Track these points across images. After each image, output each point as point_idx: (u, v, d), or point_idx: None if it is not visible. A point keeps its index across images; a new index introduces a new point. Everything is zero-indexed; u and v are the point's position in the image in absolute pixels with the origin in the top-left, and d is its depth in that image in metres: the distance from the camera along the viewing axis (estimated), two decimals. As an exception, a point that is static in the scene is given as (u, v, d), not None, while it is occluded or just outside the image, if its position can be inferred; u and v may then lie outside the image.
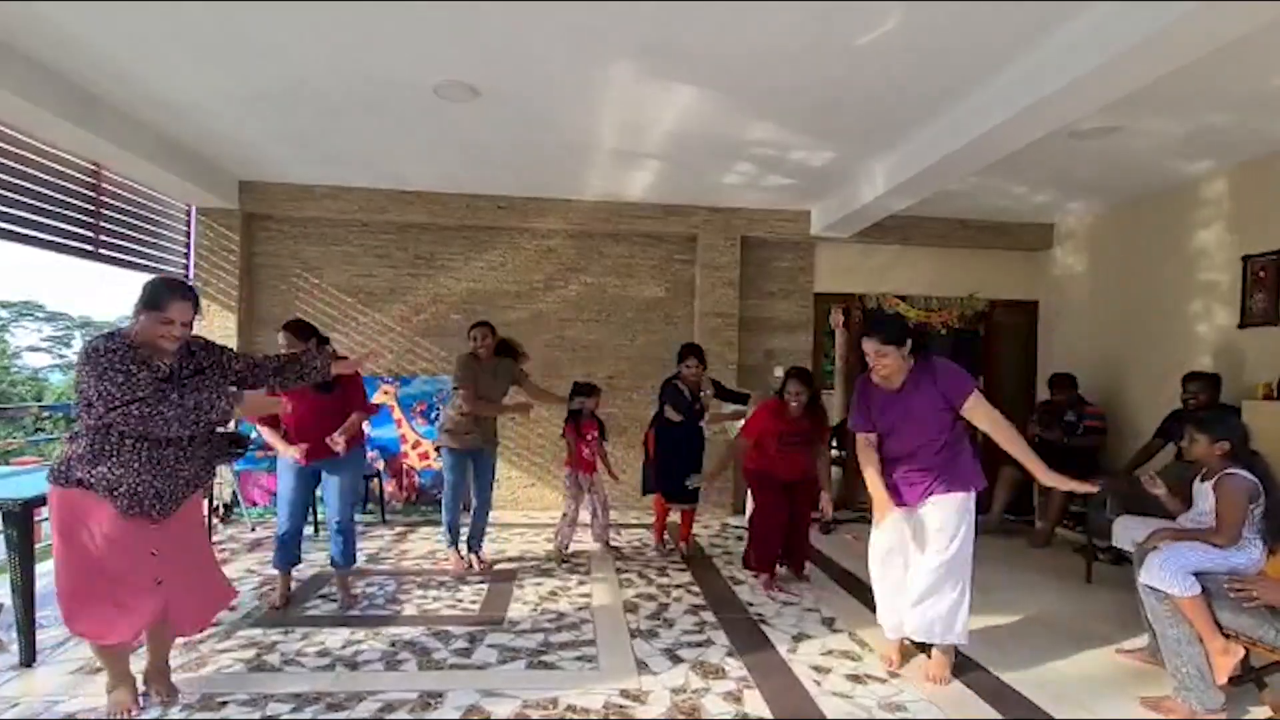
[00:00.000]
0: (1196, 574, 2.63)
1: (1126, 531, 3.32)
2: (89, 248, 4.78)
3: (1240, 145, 4.22)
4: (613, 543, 4.90)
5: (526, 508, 6.06)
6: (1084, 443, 5.28)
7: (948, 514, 2.86)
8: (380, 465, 5.75)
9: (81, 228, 4.69)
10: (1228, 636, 2.57)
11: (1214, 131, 4.00)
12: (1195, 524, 2.87)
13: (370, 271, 5.98)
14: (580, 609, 3.66)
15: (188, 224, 5.77)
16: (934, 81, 3.46)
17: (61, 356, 24.96)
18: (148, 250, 5.36)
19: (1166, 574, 2.64)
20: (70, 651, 3.00)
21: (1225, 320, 4.59)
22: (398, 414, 5.89)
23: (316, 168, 5.29)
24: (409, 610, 3.61)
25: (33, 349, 24.24)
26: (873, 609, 3.20)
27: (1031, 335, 6.50)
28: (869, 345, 2.85)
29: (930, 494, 2.87)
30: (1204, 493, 2.87)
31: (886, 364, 2.82)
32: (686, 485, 4.60)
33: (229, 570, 4.17)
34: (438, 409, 5.87)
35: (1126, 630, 3.42)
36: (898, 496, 2.89)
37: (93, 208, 4.78)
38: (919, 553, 2.92)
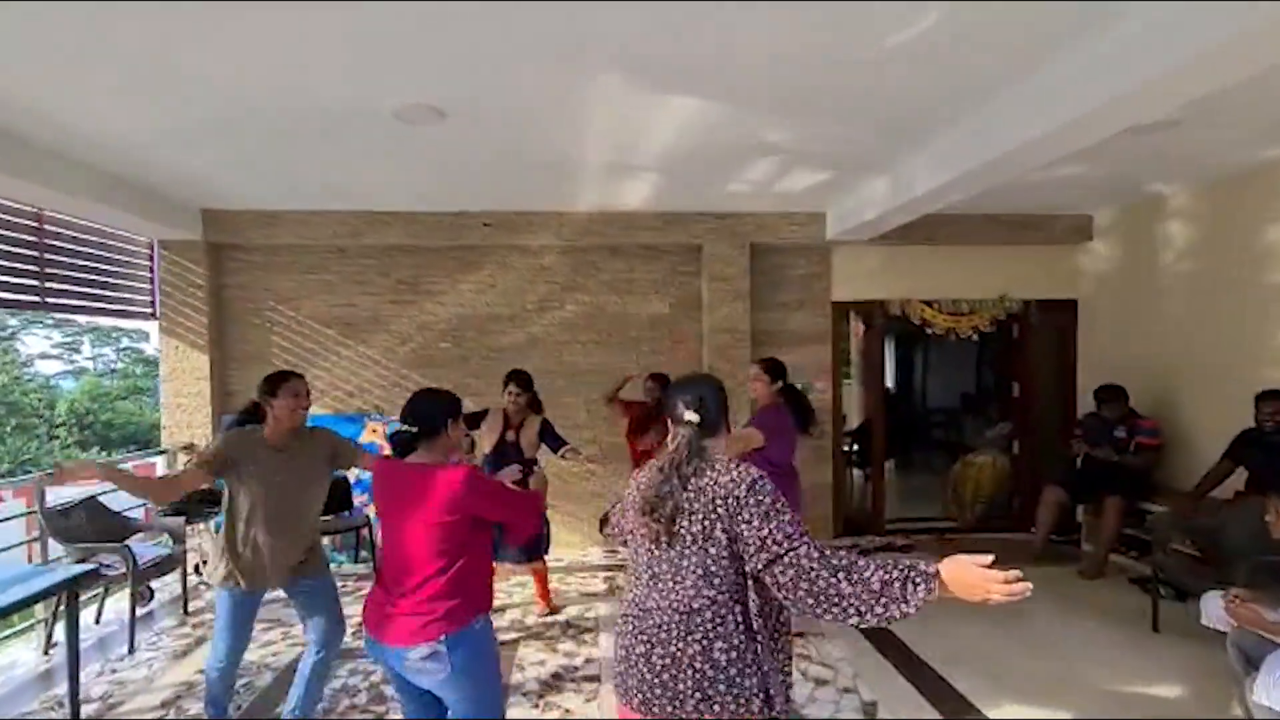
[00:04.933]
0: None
1: (1215, 610, 2.83)
2: (34, 299, 4.36)
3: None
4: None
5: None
6: (1137, 461, 4.79)
7: None
8: (370, 510, 5.34)
9: (23, 278, 4.27)
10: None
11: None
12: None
13: (350, 300, 5.53)
14: (588, 700, 3.25)
15: (151, 258, 5.34)
16: (968, 82, 2.97)
17: (72, 362, 24.92)
18: (107, 292, 4.94)
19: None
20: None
21: (1303, 327, 4.07)
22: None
23: (283, 193, 4.82)
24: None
25: (44, 356, 24.18)
26: (924, 685, 2.78)
27: (1070, 337, 5.97)
28: (753, 369, 3.58)
29: None
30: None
31: (756, 387, 3.52)
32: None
33: (203, 652, 3.80)
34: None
35: (1206, 700, 2.98)
36: None
37: (36, 254, 4.35)
38: None
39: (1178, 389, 4.95)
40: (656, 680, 1.58)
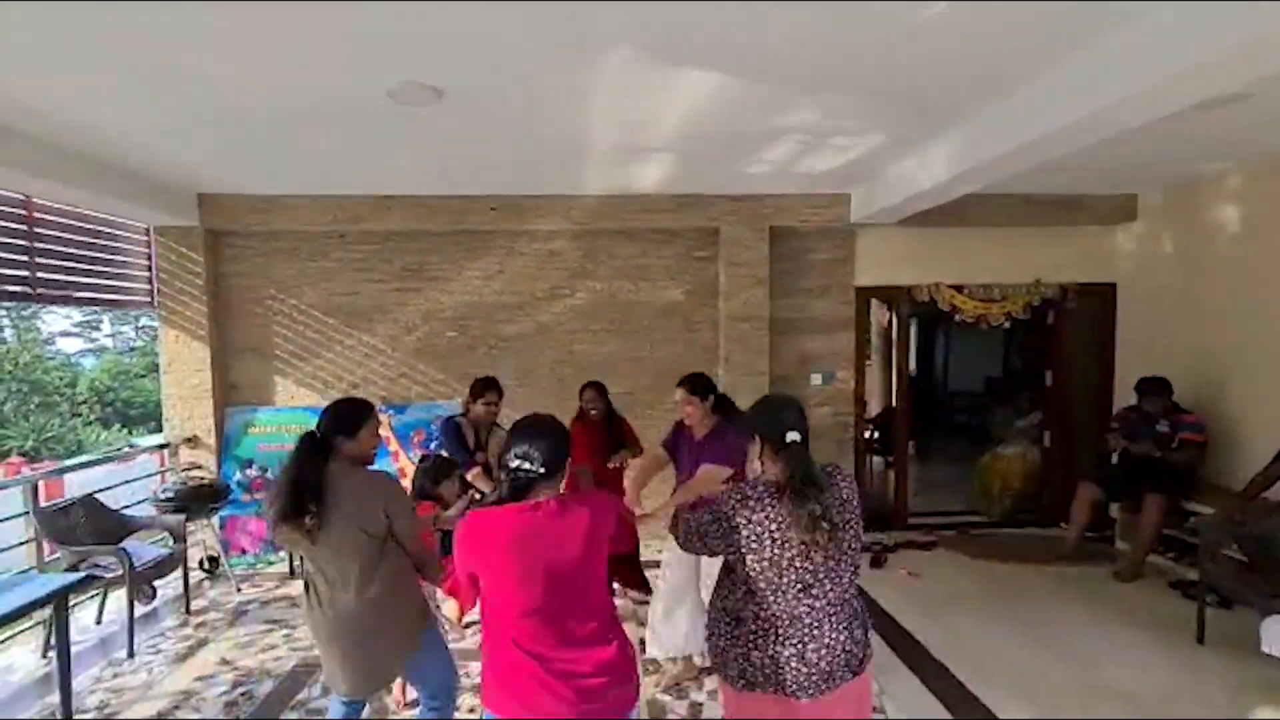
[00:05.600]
0: None
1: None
2: (25, 289, 4.21)
3: None
4: None
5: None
6: (1180, 458, 4.52)
7: None
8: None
9: (13, 268, 4.11)
10: None
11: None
12: None
13: (353, 288, 5.34)
14: None
15: (148, 246, 5.16)
16: (1008, 56, 2.71)
17: (93, 340, 25.12)
18: (102, 281, 4.78)
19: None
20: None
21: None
22: (394, 445, 5.32)
23: (281, 178, 4.60)
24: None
25: (65, 334, 24.39)
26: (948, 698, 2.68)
27: (1108, 323, 5.65)
28: (679, 393, 3.20)
29: None
30: None
31: (690, 411, 3.15)
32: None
33: (204, 655, 3.70)
34: (437, 439, 5.29)
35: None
36: None
37: (25, 243, 4.19)
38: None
39: (1225, 381, 4.65)
40: (814, 670, 1.77)
